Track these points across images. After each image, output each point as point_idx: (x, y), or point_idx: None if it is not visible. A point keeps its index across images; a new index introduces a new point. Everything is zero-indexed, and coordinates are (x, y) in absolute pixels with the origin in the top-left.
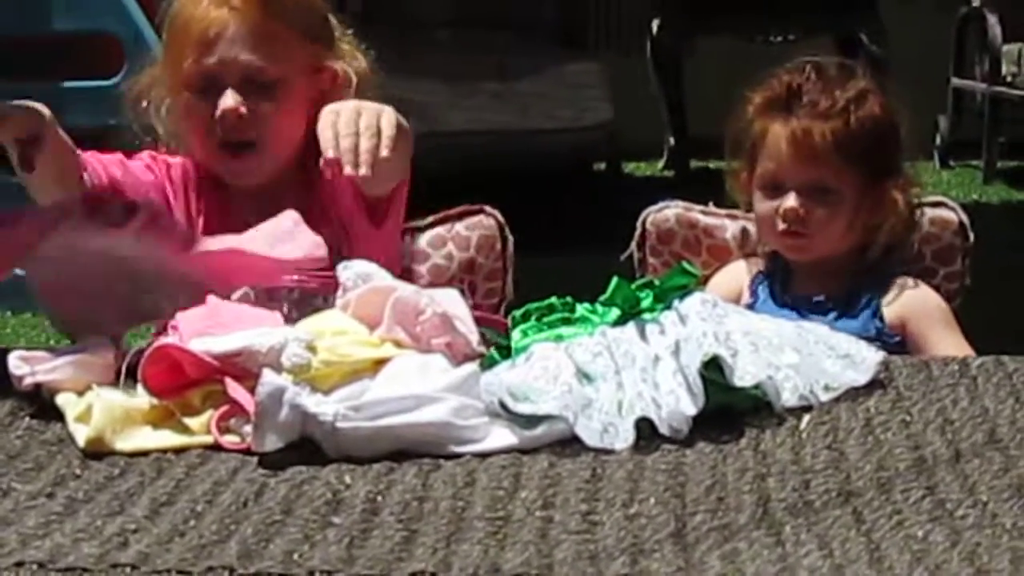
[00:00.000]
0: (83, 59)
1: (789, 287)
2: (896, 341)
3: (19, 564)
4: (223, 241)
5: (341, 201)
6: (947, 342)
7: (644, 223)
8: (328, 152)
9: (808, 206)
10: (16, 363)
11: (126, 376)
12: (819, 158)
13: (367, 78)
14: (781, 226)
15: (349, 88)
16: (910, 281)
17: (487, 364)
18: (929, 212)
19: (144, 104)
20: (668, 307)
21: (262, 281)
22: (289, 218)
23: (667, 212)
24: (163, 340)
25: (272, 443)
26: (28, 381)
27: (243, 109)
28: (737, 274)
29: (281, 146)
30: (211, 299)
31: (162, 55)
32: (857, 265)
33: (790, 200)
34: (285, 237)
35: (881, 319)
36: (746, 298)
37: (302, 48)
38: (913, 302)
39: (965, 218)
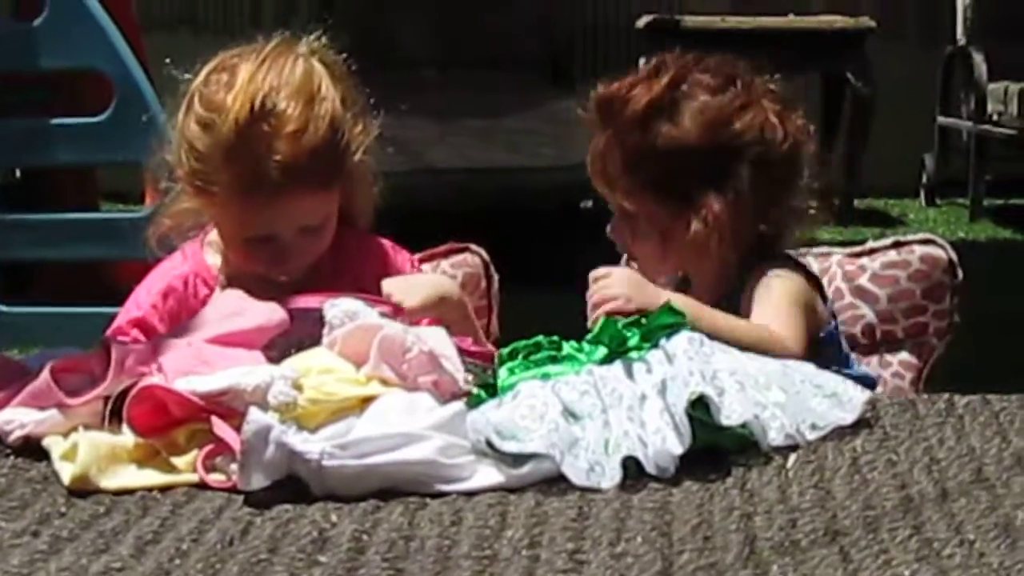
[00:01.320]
0: (72, 97)
1: None
2: None
3: None
4: (181, 350)
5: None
6: (761, 310)
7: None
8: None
9: (620, 230)
10: (5, 419)
11: (111, 416)
12: (612, 183)
13: (371, 145)
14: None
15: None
16: (766, 264)
17: (473, 402)
18: (918, 249)
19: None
20: (655, 346)
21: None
22: (231, 298)
23: None
24: (148, 380)
25: (258, 481)
26: (17, 435)
27: (295, 259)
28: None
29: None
30: (193, 339)
31: (199, 167)
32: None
33: (609, 224)
34: (233, 315)
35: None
36: None
37: (345, 157)
38: (756, 282)
39: (954, 256)
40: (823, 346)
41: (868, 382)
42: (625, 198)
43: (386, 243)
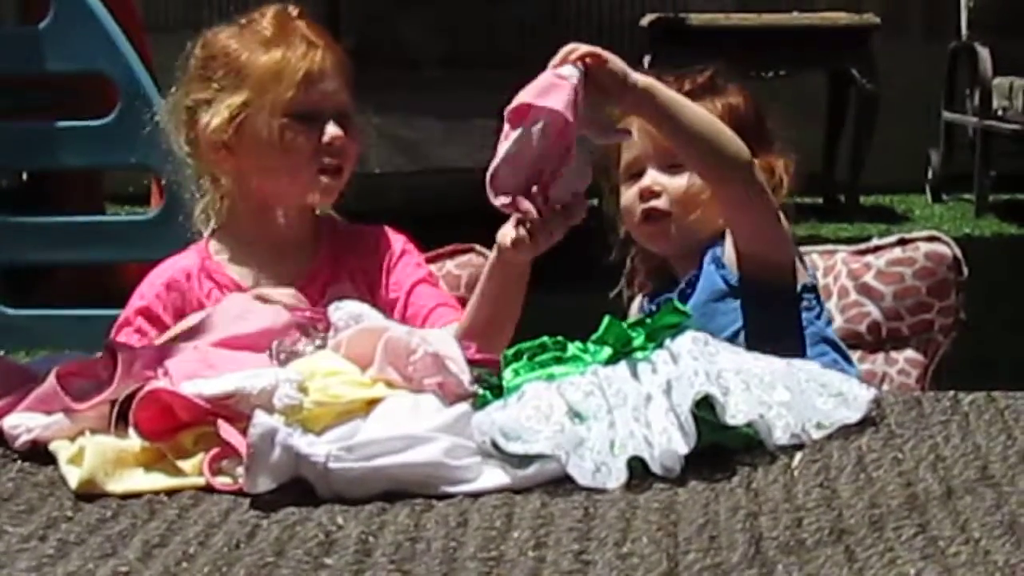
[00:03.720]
0: (76, 100)
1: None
2: (739, 276)
3: None
4: (187, 354)
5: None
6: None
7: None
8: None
9: (662, 180)
10: (12, 423)
11: (117, 420)
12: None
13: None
14: (640, 210)
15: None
16: None
17: (479, 404)
18: (923, 246)
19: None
20: (660, 346)
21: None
22: (237, 301)
23: None
24: (154, 384)
25: (264, 484)
26: (24, 440)
27: (346, 143)
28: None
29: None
30: (199, 343)
31: (226, 90)
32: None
33: (646, 178)
34: (238, 318)
35: (722, 264)
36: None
37: (351, 81)
38: None
39: (959, 252)
40: (798, 299)
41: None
42: None
43: (379, 229)
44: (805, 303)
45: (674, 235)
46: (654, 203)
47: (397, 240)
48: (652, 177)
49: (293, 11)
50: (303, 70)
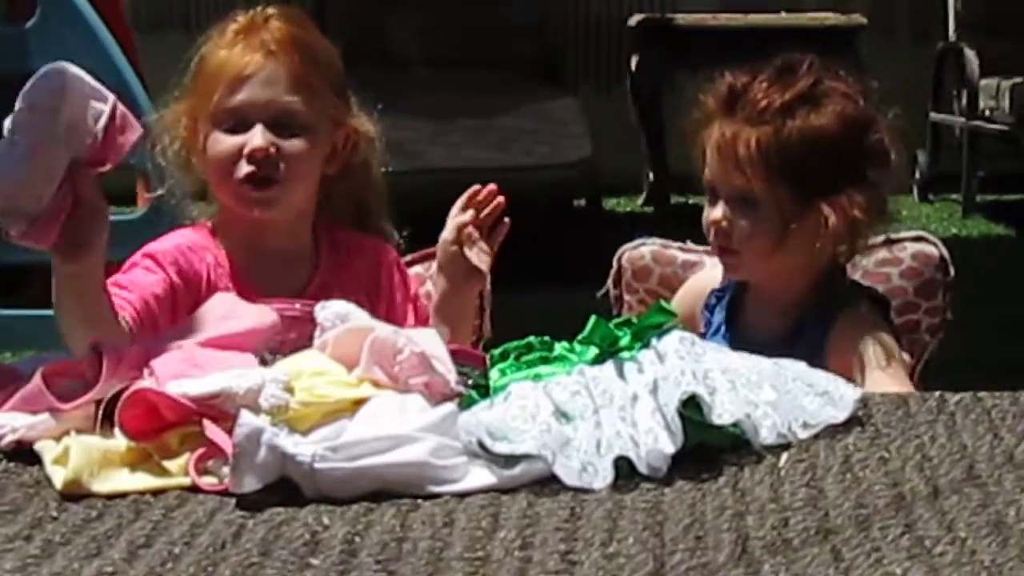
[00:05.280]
0: None
1: (739, 316)
2: None
3: None
4: (173, 354)
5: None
6: (878, 377)
7: (619, 260)
8: None
9: (732, 218)
10: None
11: (103, 420)
12: (743, 166)
13: (373, 143)
14: (711, 238)
15: (357, 151)
16: (854, 316)
17: (465, 404)
18: (910, 247)
19: (163, 142)
20: (646, 345)
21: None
22: (223, 301)
23: (642, 249)
24: (140, 384)
25: (250, 484)
26: (9, 439)
27: (272, 148)
28: (697, 292)
29: (301, 188)
30: (185, 343)
31: (186, 95)
32: (806, 302)
33: (716, 211)
34: (224, 318)
35: (822, 362)
36: (700, 326)
37: (329, 99)
38: (852, 343)
39: (946, 252)
40: None
41: None
42: (756, 182)
43: (379, 243)
44: None
45: (743, 272)
46: (722, 241)
47: (394, 257)
48: (722, 212)
49: (269, 13)
50: (231, 73)
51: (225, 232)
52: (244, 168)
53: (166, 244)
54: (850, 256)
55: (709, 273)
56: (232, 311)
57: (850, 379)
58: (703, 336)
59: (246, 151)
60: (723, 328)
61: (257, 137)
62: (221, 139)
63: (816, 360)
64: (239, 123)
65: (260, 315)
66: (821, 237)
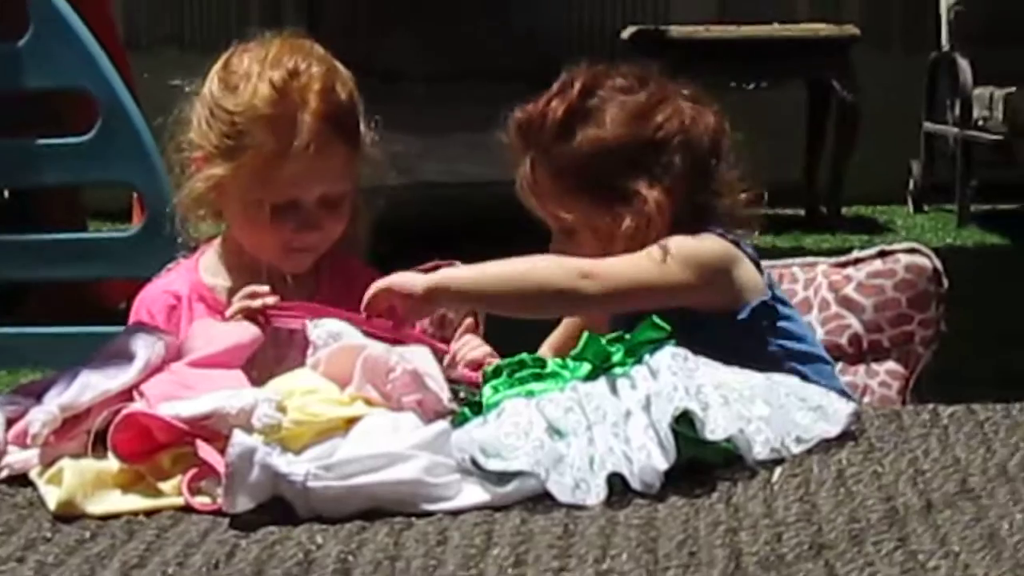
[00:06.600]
0: (57, 116)
1: None
2: None
3: None
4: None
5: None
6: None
7: None
8: None
9: (565, 250)
10: None
11: (95, 443)
12: (546, 201)
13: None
14: None
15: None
16: None
17: (458, 421)
18: (903, 259)
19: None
20: (639, 361)
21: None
22: (201, 326)
23: None
24: (131, 407)
25: (243, 504)
26: (2, 475)
27: (316, 233)
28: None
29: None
30: (174, 364)
31: (220, 157)
32: None
33: (552, 248)
34: (207, 340)
35: None
36: None
37: (356, 162)
38: None
39: (939, 264)
40: (749, 319)
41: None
42: (559, 209)
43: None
44: (749, 326)
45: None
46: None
47: None
48: (555, 246)
49: (301, 66)
50: (293, 173)
51: (228, 256)
52: (293, 243)
53: (157, 318)
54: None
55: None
56: (212, 333)
57: None
58: None
59: (296, 239)
60: None
61: (310, 227)
62: (266, 215)
63: None
64: (290, 205)
65: (240, 331)
66: (624, 239)
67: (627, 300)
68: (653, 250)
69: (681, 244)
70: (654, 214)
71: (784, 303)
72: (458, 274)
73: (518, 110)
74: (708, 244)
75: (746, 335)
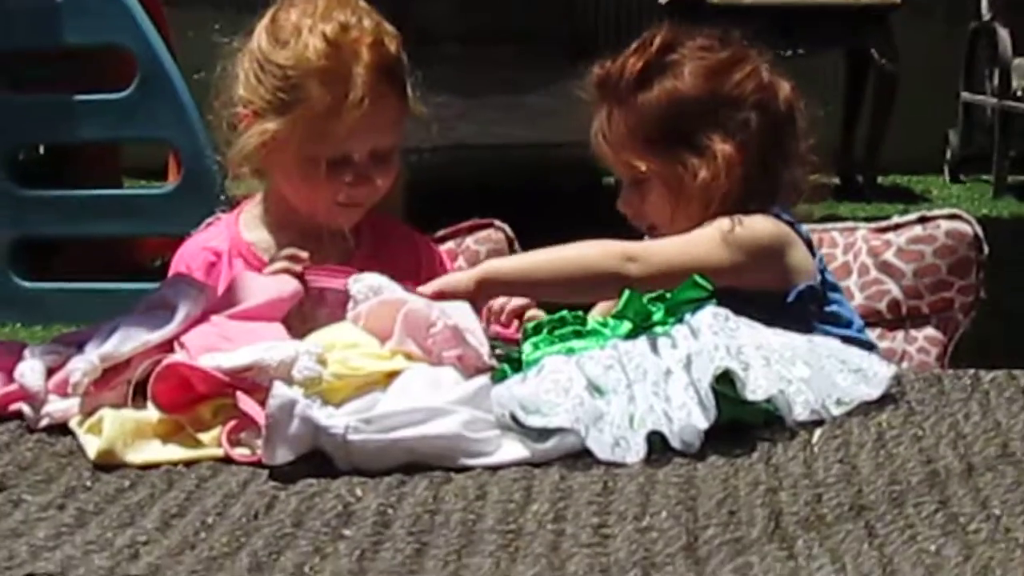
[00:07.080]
0: (95, 72)
1: None
2: None
3: None
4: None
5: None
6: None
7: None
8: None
9: (635, 202)
10: (29, 408)
11: (135, 394)
12: (619, 149)
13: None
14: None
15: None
16: None
17: (498, 377)
18: (944, 224)
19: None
20: (680, 320)
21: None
22: (241, 278)
23: None
24: (172, 358)
25: (283, 456)
26: (43, 424)
27: (368, 185)
28: None
29: None
30: (215, 317)
31: (274, 111)
32: None
33: (620, 200)
34: (246, 293)
35: None
36: None
37: (405, 116)
38: None
39: (980, 231)
40: (796, 302)
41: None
42: (633, 159)
43: (421, 239)
44: (794, 308)
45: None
46: (638, 224)
47: (435, 252)
48: (625, 197)
49: (351, 20)
50: (347, 126)
51: (269, 213)
52: (342, 196)
53: (197, 273)
54: (772, 189)
55: None
56: (251, 286)
57: None
58: None
59: (348, 182)
60: None
61: (362, 179)
62: (322, 170)
63: None
64: (344, 158)
65: (280, 285)
66: (695, 191)
67: (674, 282)
68: (704, 232)
69: (733, 225)
70: (725, 168)
71: (834, 288)
72: (504, 263)
73: (597, 65)
74: (760, 225)
75: (790, 318)
